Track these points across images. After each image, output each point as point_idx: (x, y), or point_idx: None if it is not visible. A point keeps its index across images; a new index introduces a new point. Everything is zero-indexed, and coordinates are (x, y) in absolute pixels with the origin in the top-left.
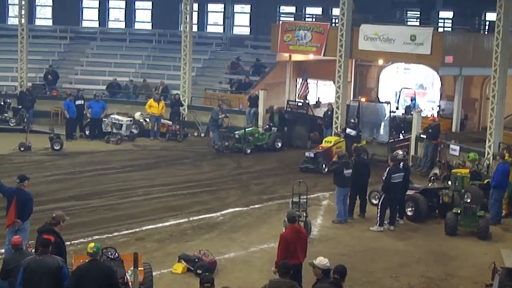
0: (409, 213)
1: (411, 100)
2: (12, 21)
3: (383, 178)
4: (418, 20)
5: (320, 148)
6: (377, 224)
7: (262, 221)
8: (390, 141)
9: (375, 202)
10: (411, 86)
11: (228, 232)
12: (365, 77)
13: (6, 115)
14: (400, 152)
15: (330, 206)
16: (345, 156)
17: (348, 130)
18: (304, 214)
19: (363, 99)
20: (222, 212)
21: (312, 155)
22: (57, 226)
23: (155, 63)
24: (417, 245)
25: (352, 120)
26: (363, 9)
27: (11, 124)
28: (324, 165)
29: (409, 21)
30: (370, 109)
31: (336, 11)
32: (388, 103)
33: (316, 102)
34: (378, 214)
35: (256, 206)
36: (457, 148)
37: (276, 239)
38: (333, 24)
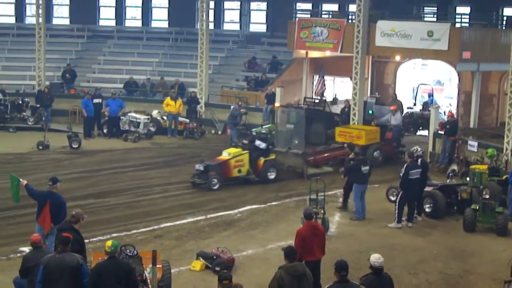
0: (427, 210)
1: (429, 96)
2: (30, 20)
3: (401, 174)
4: (435, 15)
5: (215, 160)
6: (395, 221)
7: (279, 218)
8: (303, 152)
9: (392, 198)
10: (428, 82)
11: (245, 229)
12: (382, 74)
13: (25, 114)
14: (419, 148)
15: (348, 203)
16: (362, 153)
17: (257, 142)
18: (322, 211)
19: (277, 104)
20: (240, 209)
21: (202, 168)
22: (76, 224)
23: (172, 61)
24: (435, 241)
25: (264, 131)
26: (380, 5)
27: (30, 123)
28: (215, 181)
29: (426, 16)
30: (286, 115)
31: (352, 8)
32: (302, 108)
33: (333, 98)
34: (396, 211)
35: (274, 203)
36: (475, 144)
37: (294, 236)
38: (350, 21)
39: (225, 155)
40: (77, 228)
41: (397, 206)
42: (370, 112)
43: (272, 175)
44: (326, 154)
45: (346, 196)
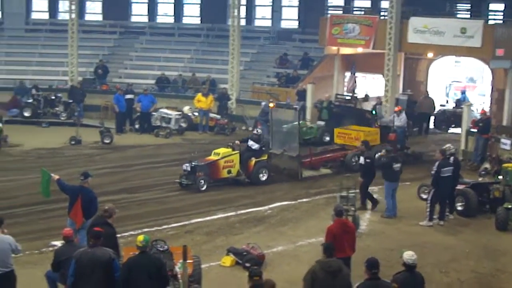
0: (459, 208)
1: (461, 94)
2: (63, 16)
3: (432, 172)
4: (468, 12)
5: (203, 160)
6: (427, 219)
7: (310, 215)
8: (297, 154)
9: (424, 196)
10: (461, 80)
11: (276, 226)
12: (414, 71)
13: (57, 109)
14: (451, 145)
15: (379, 201)
16: (393, 151)
17: (250, 143)
18: (352, 209)
19: (271, 104)
20: (270, 206)
21: (189, 168)
22: (109, 218)
23: (203, 57)
24: (467, 240)
25: (255, 131)
26: (412, 2)
27: (62, 118)
28: (203, 182)
29: (459, 13)
30: (281, 116)
31: (385, 4)
32: (296, 109)
33: (365, 95)
34: (428, 209)
35: (304, 200)
36: (508, 142)
37: (324, 233)
38: (382, 17)
39: (214, 155)
40: (111, 222)
41: (428, 204)
42: (374, 112)
43: (264, 177)
44: (322, 156)
45: (363, 196)
